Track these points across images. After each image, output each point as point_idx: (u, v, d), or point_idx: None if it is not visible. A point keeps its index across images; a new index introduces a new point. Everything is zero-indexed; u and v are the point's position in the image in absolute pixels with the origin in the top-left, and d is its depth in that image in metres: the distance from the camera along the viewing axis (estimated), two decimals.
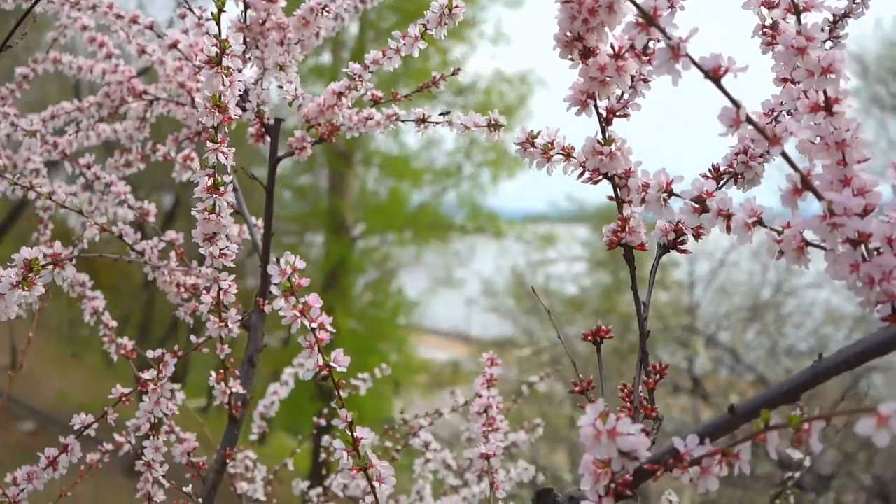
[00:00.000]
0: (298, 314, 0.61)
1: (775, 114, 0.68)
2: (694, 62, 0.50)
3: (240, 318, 0.90)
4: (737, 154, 0.68)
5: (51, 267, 0.65)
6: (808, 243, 0.54)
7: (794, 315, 7.32)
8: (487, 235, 11.48)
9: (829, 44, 0.72)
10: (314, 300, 0.62)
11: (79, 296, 1.12)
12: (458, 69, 0.99)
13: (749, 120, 0.50)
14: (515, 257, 9.94)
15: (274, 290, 0.61)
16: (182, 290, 1.01)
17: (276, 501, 1.32)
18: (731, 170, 0.68)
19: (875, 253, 0.51)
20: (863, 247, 0.52)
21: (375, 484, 0.64)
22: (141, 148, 1.19)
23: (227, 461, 0.98)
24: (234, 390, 0.96)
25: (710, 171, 0.69)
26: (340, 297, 11.04)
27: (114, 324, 1.09)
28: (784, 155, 0.51)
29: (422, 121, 0.94)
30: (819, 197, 0.50)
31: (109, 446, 1.09)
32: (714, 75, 0.50)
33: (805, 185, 0.51)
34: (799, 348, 6.80)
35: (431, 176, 12.17)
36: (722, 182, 0.68)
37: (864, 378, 6.27)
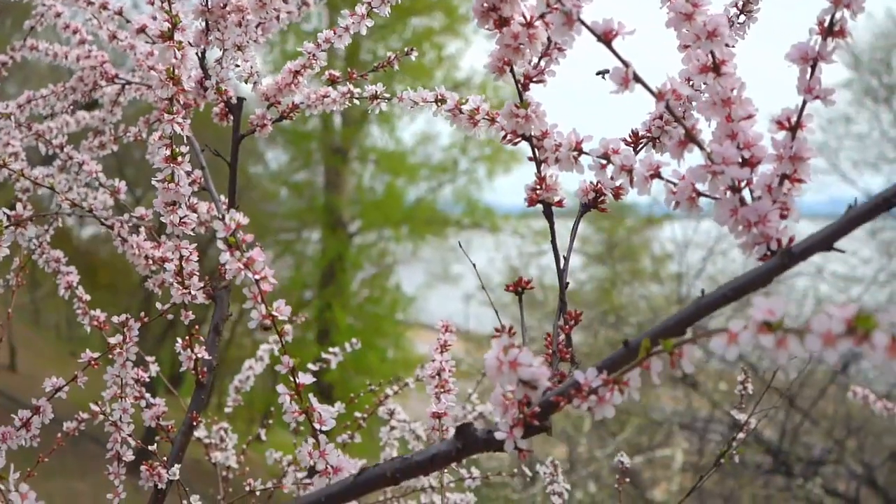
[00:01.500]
0: (243, 267, 0.66)
1: (691, 81, 0.73)
2: (586, 26, 0.55)
3: (202, 285, 0.95)
4: (654, 119, 0.73)
5: (13, 227, 0.70)
6: (699, 193, 0.59)
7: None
8: (484, 230, 11.53)
9: (742, 17, 0.76)
10: (257, 254, 0.67)
11: (53, 271, 1.17)
12: (413, 49, 1.04)
13: (636, 78, 0.55)
14: (511, 251, 9.98)
15: (220, 244, 0.66)
16: (150, 262, 1.06)
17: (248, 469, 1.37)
18: (648, 134, 0.73)
19: (756, 199, 0.56)
20: (744, 193, 0.57)
21: (317, 425, 0.69)
22: (114, 130, 1.24)
23: (195, 424, 1.03)
24: (199, 356, 1.01)
25: (629, 135, 0.74)
26: (338, 293, 11.09)
27: (87, 297, 1.14)
28: (669, 110, 0.56)
29: (374, 97, 0.99)
30: (701, 148, 0.55)
31: (85, 415, 1.14)
32: (606, 38, 0.55)
33: (689, 137, 0.56)
34: None
35: (427, 172, 12.22)
36: (640, 146, 0.73)
37: (853, 364, 6.33)
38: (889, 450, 6.15)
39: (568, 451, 6.40)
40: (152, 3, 1.12)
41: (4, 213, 0.69)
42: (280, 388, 0.69)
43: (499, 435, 0.59)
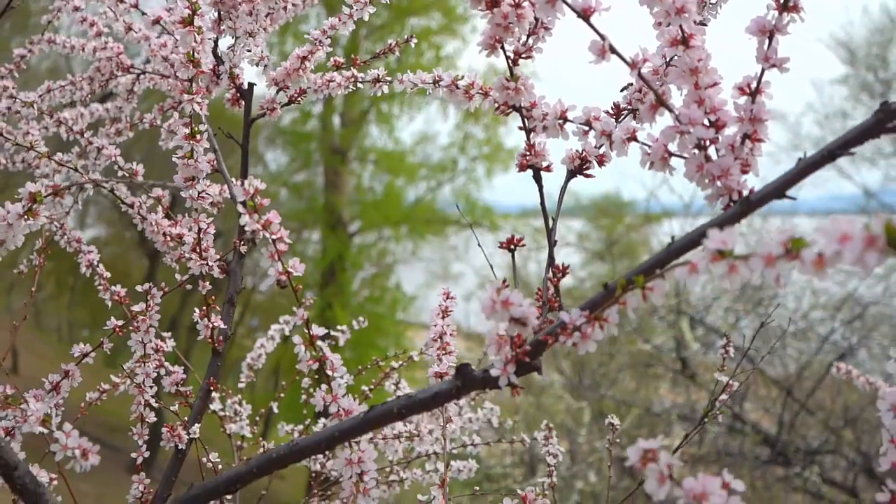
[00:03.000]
0: (261, 227, 0.73)
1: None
2: (567, 4, 0.62)
3: (218, 257, 1.02)
4: (633, 93, 0.79)
5: (52, 197, 0.76)
6: (670, 153, 0.66)
7: (784, 298, 7.46)
8: (483, 229, 11.58)
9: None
10: (274, 216, 0.74)
11: (75, 251, 1.24)
12: (412, 37, 1.11)
13: (612, 49, 0.62)
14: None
15: (240, 207, 0.73)
16: (168, 239, 1.13)
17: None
18: (629, 106, 0.80)
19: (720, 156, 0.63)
20: (711, 152, 0.64)
21: (329, 372, 0.76)
22: (130, 118, 1.31)
23: (211, 389, 1.10)
24: (216, 325, 1.08)
25: (611, 107, 0.81)
26: (338, 293, 11.15)
27: (108, 274, 1.21)
28: (641, 77, 0.63)
29: (377, 80, 1.06)
30: (670, 111, 0.62)
31: (106, 386, 1.20)
32: (585, 14, 0.62)
33: (659, 101, 0.63)
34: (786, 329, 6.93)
35: (426, 171, 12.29)
36: (622, 116, 0.80)
37: (848, 357, 6.41)
38: None
39: (569, 443, 6.46)
40: None
41: (43, 183, 0.76)
42: (296, 338, 0.76)
43: (494, 372, 0.66)
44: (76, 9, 1.30)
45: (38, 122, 1.42)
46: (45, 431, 0.74)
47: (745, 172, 0.63)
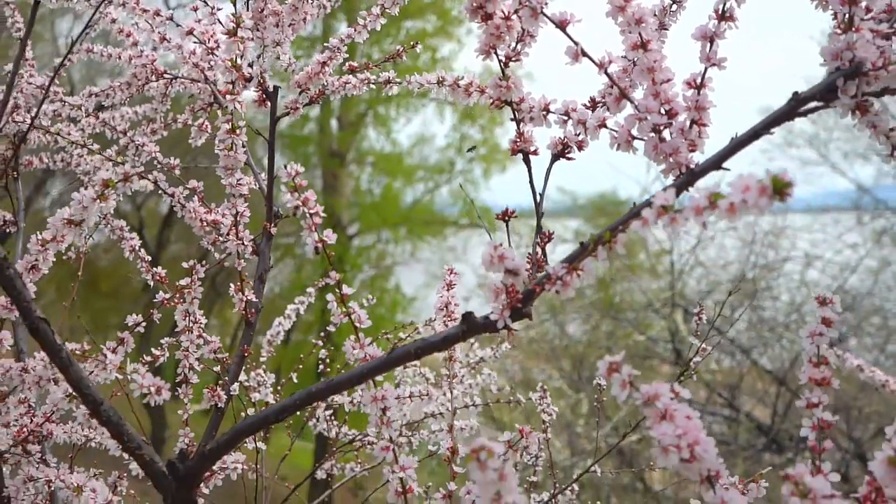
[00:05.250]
0: (300, 203, 0.88)
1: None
2: (548, 17, 0.77)
3: (252, 237, 1.17)
4: (605, 89, 0.95)
5: (122, 182, 0.91)
6: (633, 137, 0.81)
7: (777, 290, 7.63)
8: (481, 230, 11.73)
9: (674, 6, 0.99)
10: (311, 195, 0.89)
11: (118, 237, 1.39)
12: (416, 43, 1.27)
13: (584, 53, 0.77)
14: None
15: (283, 187, 0.88)
16: (204, 224, 1.28)
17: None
18: (603, 100, 0.95)
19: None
20: (664, 134, 0.79)
21: (357, 325, 0.91)
22: (164, 118, 1.46)
23: (245, 355, 1.25)
24: (249, 299, 1.23)
25: (588, 101, 0.96)
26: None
27: (149, 258, 1.37)
28: (608, 76, 0.78)
29: (388, 82, 1.21)
30: (631, 102, 0.78)
31: (157, 352, 1.35)
32: (562, 25, 0.78)
33: (622, 95, 0.78)
34: (779, 320, 7.12)
35: (424, 173, 12.44)
36: (598, 108, 0.95)
37: (839, 345, 6.58)
38: (877, 425, 6.39)
39: (567, 435, 6.63)
40: (196, 9, 1.34)
41: (115, 171, 0.91)
42: (329, 296, 0.91)
43: (493, 316, 0.81)
44: (114, 21, 1.45)
45: (76, 123, 1.58)
46: (121, 377, 0.89)
47: (692, 151, 0.78)
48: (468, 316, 0.83)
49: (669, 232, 0.66)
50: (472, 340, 1.80)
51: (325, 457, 1.62)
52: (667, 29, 0.94)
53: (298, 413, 1.93)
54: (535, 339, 7.79)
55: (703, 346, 1.35)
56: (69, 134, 1.52)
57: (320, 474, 1.68)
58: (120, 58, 1.49)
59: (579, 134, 0.89)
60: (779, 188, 0.55)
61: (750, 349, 6.77)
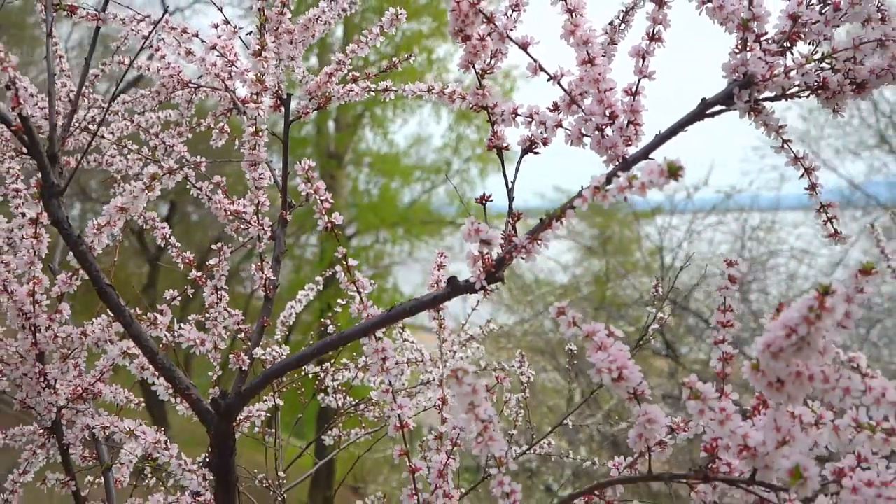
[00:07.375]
0: (312, 192, 1.08)
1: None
2: (512, 40, 0.98)
3: (271, 224, 1.37)
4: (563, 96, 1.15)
5: (167, 175, 1.11)
6: (582, 134, 1.02)
7: (766, 282, 7.85)
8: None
9: (622, 25, 1.19)
10: (321, 184, 1.09)
11: (150, 227, 1.59)
12: (411, 55, 1.47)
13: (541, 68, 0.97)
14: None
15: (298, 178, 1.08)
16: (227, 213, 1.48)
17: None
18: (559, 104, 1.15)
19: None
20: (607, 132, 0.99)
21: (361, 290, 1.11)
22: (189, 123, 1.66)
23: (265, 326, 1.45)
24: (268, 277, 1.43)
25: (552, 104, 1.16)
26: (337, 295, 11.49)
27: (178, 244, 1.57)
28: (560, 86, 0.98)
29: (386, 90, 1.41)
30: (578, 106, 0.98)
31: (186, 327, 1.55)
32: (523, 46, 0.98)
33: (572, 101, 0.99)
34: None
35: (421, 173, 12.63)
36: (559, 111, 1.15)
37: (873, 328, 6.83)
38: None
39: (562, 429, 6.82)
40: (216, 27, 1.55)
41: (160, 164, 1.11)
42: (337, 267, 1.11)
43: (471, 279, 1.01)
44: (145, 38, 1.65)
45: (107, 126, 1.78)
46: (170, 337, 1.09)
47: (628, 145, 0.98)
48: (452, 280, 1.04)
49: (606, 201, 0.85)
50: (463, 323, 2.01)
51: (329, 424, 1.82)
52: (616, 44, 1.15)
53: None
54: (530, 332, 7.99)
55: (662, 315, 1.55)
56: (102, 137, 1.72)
57: (328, 440, 1.88)
58: (149, 69, 1.69)
59: (542, 132, 1.09)
60: (673, 171, 0.75)
61: (740, 341, 6.97)
